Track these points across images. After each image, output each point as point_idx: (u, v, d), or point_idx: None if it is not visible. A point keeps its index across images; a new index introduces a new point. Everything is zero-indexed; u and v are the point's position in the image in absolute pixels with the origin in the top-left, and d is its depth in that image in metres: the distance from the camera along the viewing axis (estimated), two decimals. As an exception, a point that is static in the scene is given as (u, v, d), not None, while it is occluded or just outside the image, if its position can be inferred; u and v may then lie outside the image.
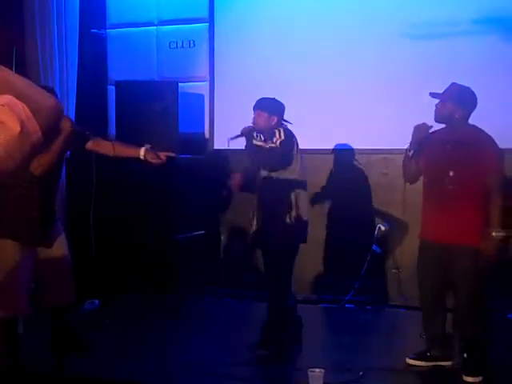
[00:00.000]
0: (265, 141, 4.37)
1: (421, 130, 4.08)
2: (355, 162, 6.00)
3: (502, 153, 4.11)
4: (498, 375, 4.08)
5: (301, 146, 5.53)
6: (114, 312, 5.53)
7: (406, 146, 4.16)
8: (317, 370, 3.59)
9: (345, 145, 6.05)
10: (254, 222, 4.49)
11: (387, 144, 5.82)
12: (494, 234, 3.85)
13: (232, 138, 4.46)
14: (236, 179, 4.62)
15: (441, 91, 4.11)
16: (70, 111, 6.39)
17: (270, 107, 4.45)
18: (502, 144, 5.45)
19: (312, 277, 6.10)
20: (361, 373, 3.97)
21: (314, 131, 6.00)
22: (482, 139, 4.06)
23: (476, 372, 3.92)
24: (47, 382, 3.92)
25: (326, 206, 6.13)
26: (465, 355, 3.92)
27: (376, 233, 5.92)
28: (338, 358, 4.42)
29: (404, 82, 5.77)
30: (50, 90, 4.12)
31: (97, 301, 5.50)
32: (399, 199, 5.73)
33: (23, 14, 6.26)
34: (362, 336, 5.11)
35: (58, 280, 4.17)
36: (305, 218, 4.45)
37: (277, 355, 4.36)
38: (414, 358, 4.21)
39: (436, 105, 4.10)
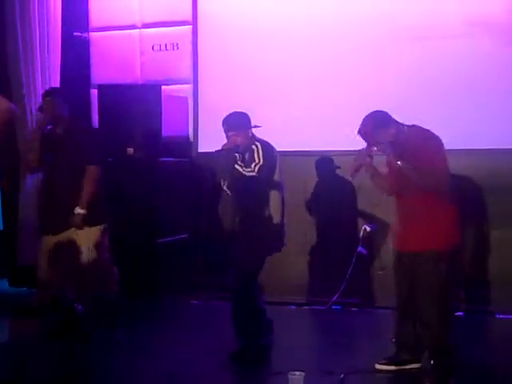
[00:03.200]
0: (245, 166, 4.25)
1: (360, 159, 4.09)
2: (340, 164, 5.97)
3: (440, 146, 4.03)
4: (489, 374, 4.10)
5: (284, 148, 5.56)
6: (97, 316, 5.48)
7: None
8: (297, 372, 3.55)
9: (329, 146, 6.02)
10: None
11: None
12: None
13: (215, 152, 4.45)
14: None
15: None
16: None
17: (243, 124, 4.41)
18: (499, 144, 5.50)
19: (298, 279, 6.07)
20: (342, 375, 3.93)
21: (299, 133, 6.00)
22: (419, 139, 4.02)
23: (442, 380, 3.90)
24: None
25: (312, 207, 6.11)
26: (431, 362, 3.92)
27: (361, 234, 5.90)
28: (322, 361, 4.40)
29: (392, 84, 5.74)
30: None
31: (80, 306, 5.44)
32: (384, 200, 5.70)
33: (4, 17, 6.24)
34: (347, 338, 5.08)
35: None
36: (276, 221, 4.41)
37: (257, 359, 4.32)
38: (382, 363, 4.19)
39: (377, 147, 4.05)
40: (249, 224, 4.38)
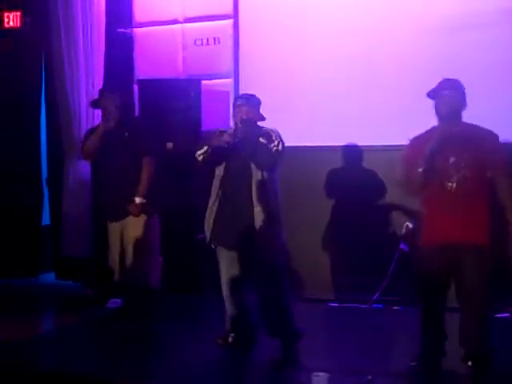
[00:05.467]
0: (268, 143, 4.26)
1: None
2: (379, 159, 5.83)
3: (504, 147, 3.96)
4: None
5: (322, 143, 5.57)
6: (136, 312, 5.52)
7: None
8: (321, 373, 3.48)
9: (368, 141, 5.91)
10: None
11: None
12: None
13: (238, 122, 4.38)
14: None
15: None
16: (97, 112, 6.42)
17: (258, 104, 4.44)
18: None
19: (340, 276, 5.98)
20: (369, 377, 3.84)
21: (337, 127, 5.89)
22: (484, 133, 3.90)
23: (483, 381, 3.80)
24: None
25: (354, 205, 5.99)
26: (469, 363, 3.77)
27: (403, 231, 5.75)
28: (355, 361, 4.29)
29: (422, 77, 5.57)
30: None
31: (119, 300, 5.50)
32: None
33: (48, 14, 6.33)
34: (385, 337, 4.97)
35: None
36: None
37: (289, 356, 4.22)
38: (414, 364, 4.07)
39: (446, 95, 3.89)
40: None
